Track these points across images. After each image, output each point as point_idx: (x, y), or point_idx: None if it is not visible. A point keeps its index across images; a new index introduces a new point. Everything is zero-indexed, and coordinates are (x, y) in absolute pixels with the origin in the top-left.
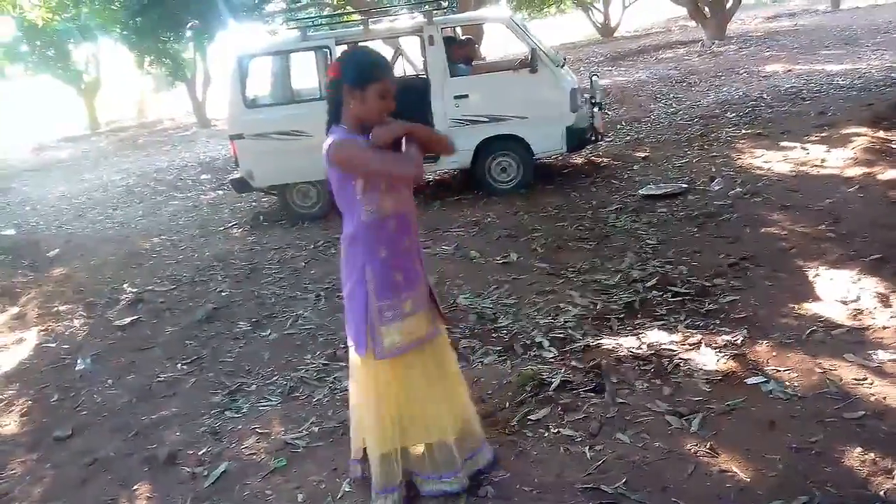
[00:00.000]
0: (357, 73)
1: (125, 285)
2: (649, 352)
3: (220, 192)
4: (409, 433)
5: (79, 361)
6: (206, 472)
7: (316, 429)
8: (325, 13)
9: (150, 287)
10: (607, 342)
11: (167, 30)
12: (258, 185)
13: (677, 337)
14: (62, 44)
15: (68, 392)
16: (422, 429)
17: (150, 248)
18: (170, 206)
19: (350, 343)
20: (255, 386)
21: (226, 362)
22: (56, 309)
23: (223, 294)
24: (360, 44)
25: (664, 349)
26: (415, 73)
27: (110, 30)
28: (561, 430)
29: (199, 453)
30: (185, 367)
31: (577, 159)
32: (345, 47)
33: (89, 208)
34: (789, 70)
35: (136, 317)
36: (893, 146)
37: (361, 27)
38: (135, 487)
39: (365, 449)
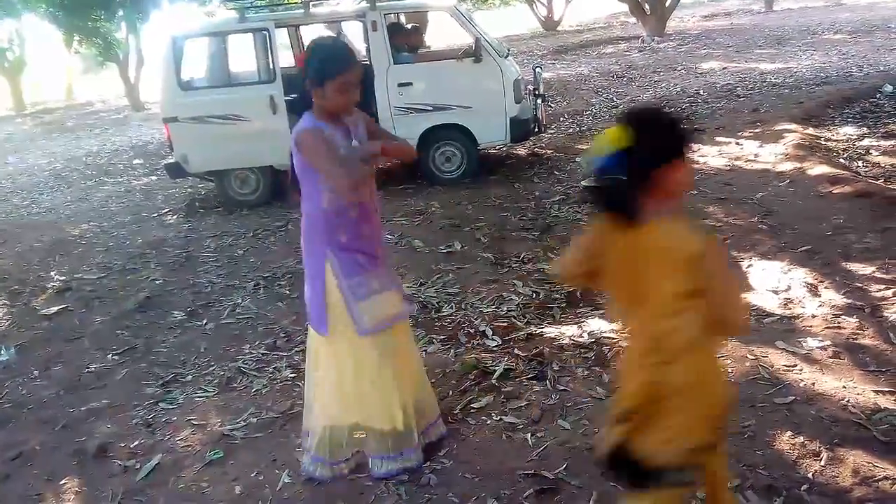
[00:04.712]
0: (315, 70)
1: (52, 273)
2: (590, 340)
3: (154, 178)
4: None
5: (2, 352)
6: (138, 464)
7: (254, 420)
8: None
9: (78, 275)
10: (550, 331)
11: (97, 7)
12: (193, 171)
13: (617, 325)
14: None
15: None
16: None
17: (79, 235)
18: (100, 191)
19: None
20: (190, 377)
21: (159, 353)
22: None
23: (157, 282)
24: (325, 34)
25: (605, 337)
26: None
27: (35, 6)
28: (503, 417)
29: (132, 446)
30: (116, 357)
31: (521, 150)
32: (284, 30)
33: (13, 193)
34: (725, 67)
35: (63, 306)
36: (823, 143)
37: (302, 10)
38: (62, 482)
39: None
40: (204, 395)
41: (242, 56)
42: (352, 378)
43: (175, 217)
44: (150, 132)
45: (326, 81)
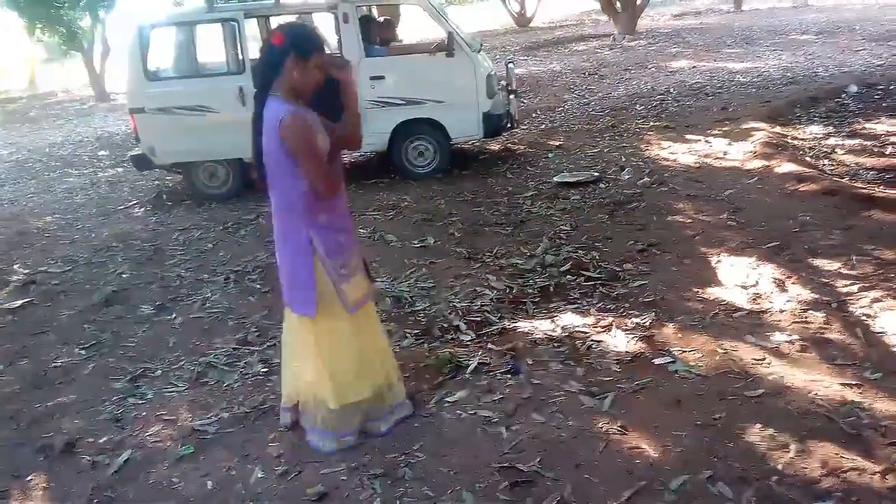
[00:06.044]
0: (305, 44)
1: (15, 266)
2: (563, 334)
3: (120, 170)
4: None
5: None
6: (107, 460)
7: (226, 415)
8: None
9: (43, 268)
10: (523, 325)
11: None
12: (160, 163)
13: (590, 320)
14: None
15: None
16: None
17: (43, 228)
18: (64, 183)
19: (289, 307)
20: (160, 372)
21: (128, 347)
22: None
23: (124, 276)
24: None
25: (577, 331)
26: (329, 52)
27: None
28: (478, 411)
29: (100, 441)
30: (82, 352)
31: (494, 146)
32: (254, 21)
33: None
34: (694, 66)
35: (27, 299)
36: (790, 141)
37: (272, 1)
38: (29, 478)
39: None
40: (174, 390)
41: (211, 46)
42: (328, 356)
43: (142, 210)
44: (116, 123)
45: (313, 55)
